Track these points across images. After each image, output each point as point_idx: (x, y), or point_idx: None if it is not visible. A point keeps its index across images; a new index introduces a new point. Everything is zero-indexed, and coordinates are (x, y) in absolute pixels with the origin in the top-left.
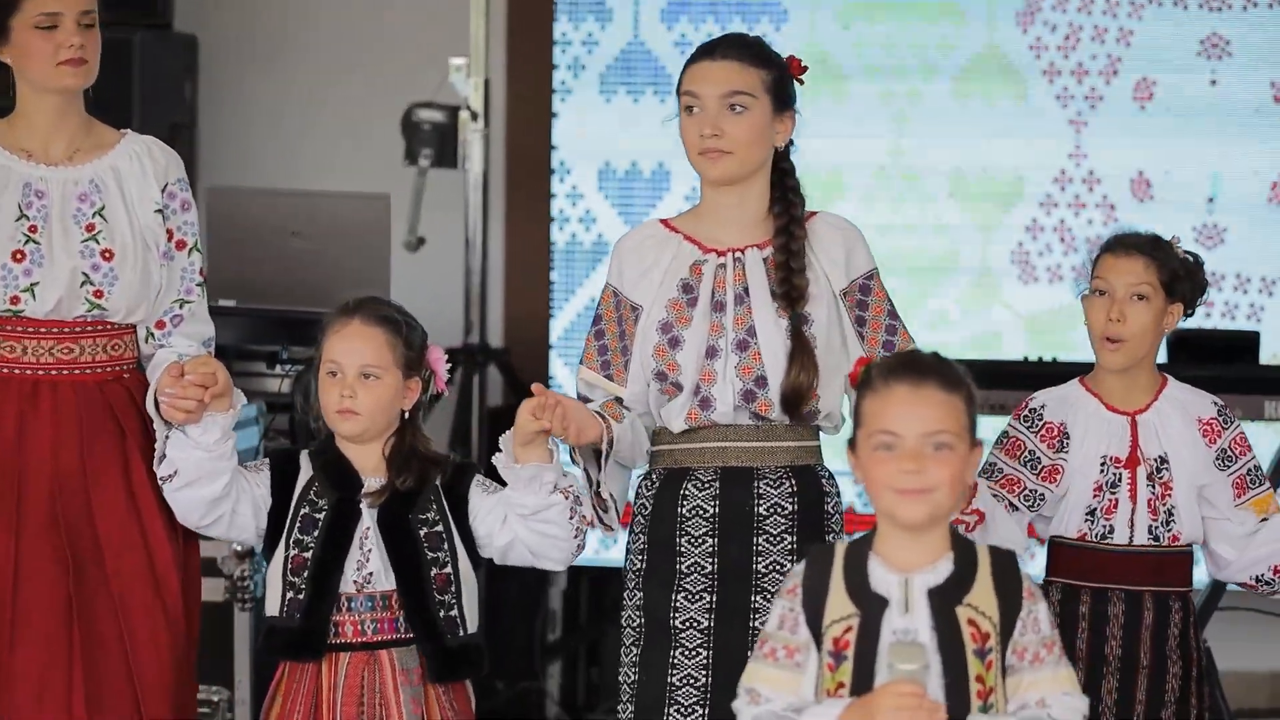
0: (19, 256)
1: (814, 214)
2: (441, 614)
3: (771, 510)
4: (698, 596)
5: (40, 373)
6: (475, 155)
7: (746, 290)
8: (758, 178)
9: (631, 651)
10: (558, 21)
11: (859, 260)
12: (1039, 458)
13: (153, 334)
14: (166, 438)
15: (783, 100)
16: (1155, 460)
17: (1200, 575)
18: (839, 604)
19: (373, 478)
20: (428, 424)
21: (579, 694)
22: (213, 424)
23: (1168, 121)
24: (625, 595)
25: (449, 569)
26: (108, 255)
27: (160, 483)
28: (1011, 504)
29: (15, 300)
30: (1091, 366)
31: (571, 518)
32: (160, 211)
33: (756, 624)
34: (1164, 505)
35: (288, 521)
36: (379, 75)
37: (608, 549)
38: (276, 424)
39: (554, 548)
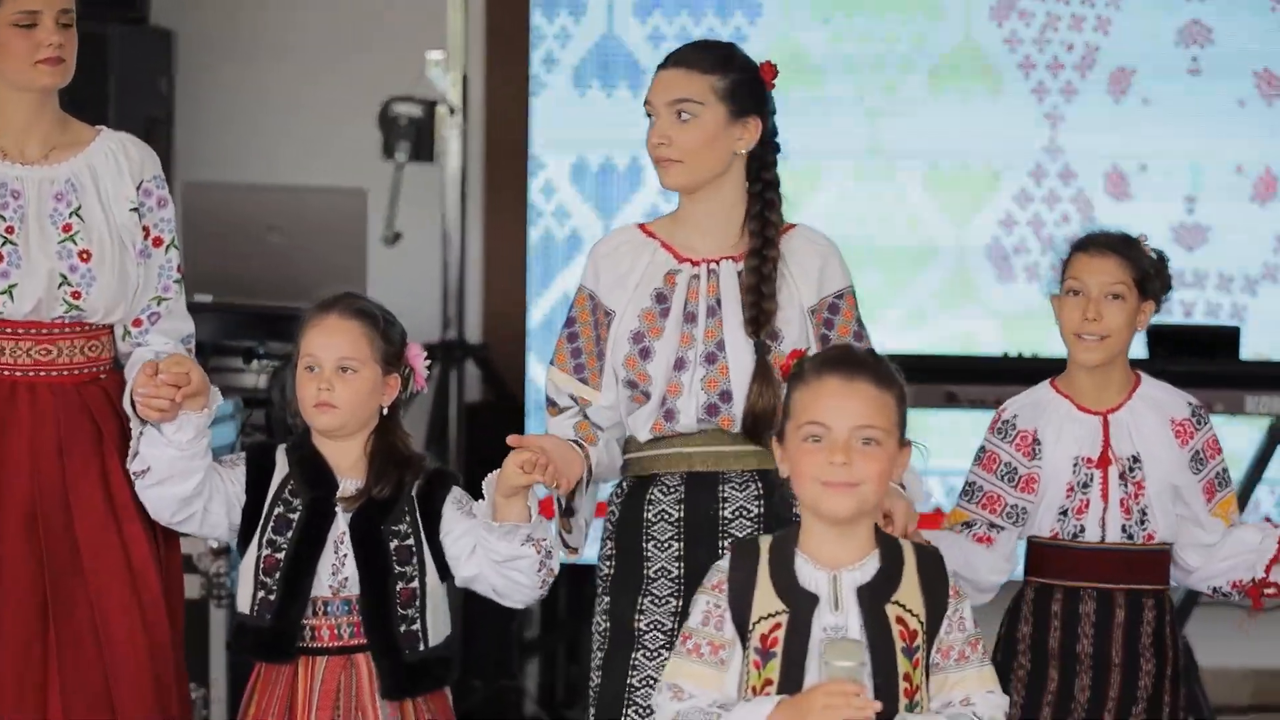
0: None
1: (792, 227)
2: (403, 628)
3: (737, 514)
4: (664, 601)
5: (18, 374)
6: (453, 150)
7: (719, 303)
8: (725, 184)
9: (597, 656)
10: (533, 15)
11: (832, 278)
12: (1015, 469)
13: (130, 332)
14: (140, 434)
15: (743, 106)
16: (1128, 459)
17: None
18: (766, 601)
19: (349, 478)
20: (404, 420)
21: (557, 692)
22: (187, 423)
23: (1145, 114)
24: (596, 602)
25: (415, 583)
26: (85, 256)
27: (132, 478)
28: (995, 524)
29: None
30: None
31: (540, 570)
32: (136, 210)
33: None
34: (1137, 504)
35: (262, 519)
36: (356, 70)
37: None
38: (253, 420)
39: (518, 592)
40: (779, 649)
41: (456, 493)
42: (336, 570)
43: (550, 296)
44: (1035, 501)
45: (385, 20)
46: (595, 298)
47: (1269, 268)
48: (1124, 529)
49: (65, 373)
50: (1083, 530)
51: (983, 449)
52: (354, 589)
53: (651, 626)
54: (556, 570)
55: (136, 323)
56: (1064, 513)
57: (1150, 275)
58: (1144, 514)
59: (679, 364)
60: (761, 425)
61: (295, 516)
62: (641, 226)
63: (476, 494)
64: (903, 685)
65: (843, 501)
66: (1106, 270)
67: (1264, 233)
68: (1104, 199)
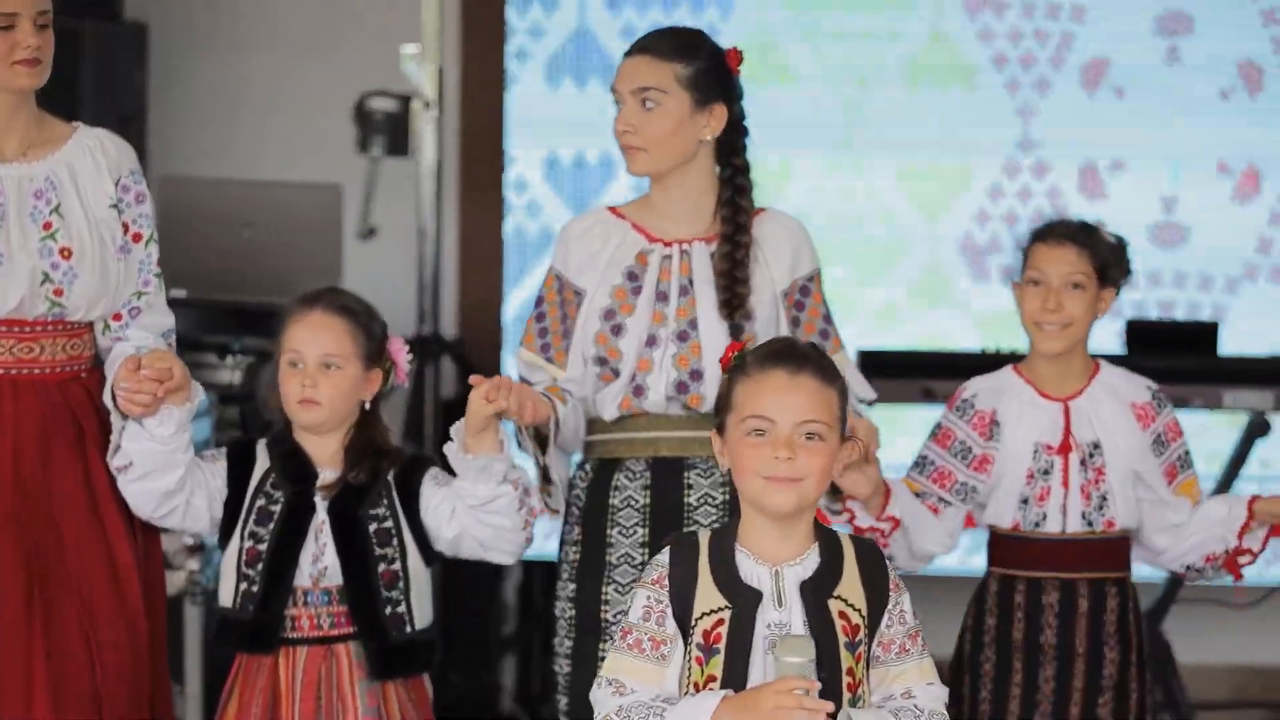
0: None
1: (762, 210)
2: (388, 610)
3: (702, 500)
4: (627, 588)
5: (0, 372)
6: (428, 144)
7: (691, 283)
8: (693, 171)
9: (565, 643)
10: (506, 8)
11: (803, 261)
12: (970, 447)
13: (110, 326)
14: (122, 429)
15: (708, 93)
16: (1088, 446)
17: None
18: (708, 596)
19: (328, 469)
20: (381, 415)
21: (533, 686)
22: (169, 417)
23: (1121, 108)
24: (558, 586)
25: (397, 565)
26: (66, 253)
27: (115, 473)
28: (943, 499)
29: None
30: None
31: (520, 508)
32: (115, 205)
33: None
34: (1098, 491)
35: (243, 512)
36: (331, 64)
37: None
38: (228, 416)
39: (502, 539)
40: (722, 645)
41: (433, 471)
42: (317, 559)
43: (524, 291)
44: (987, 482)
45: (360, 14)
46: (563, 278)
47: (1250, 267)
48: (1084, 516)
49: (47, 371)
50: (1044, 519)
51: (939, 425)
52: (335, 578)
53: (618, 618)
54: (537, 510)
55: (116, 317)
56: (1025, 501)
57: (1110, 263)
58: (1104, 500)
59: (651, 340)
60: None
61: (276, 509)
62: (612, 209)
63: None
64: (846, 680)
65: (786, 497)
66: (1067, 260)
67: (1245, 229)
68: (1077, 194)
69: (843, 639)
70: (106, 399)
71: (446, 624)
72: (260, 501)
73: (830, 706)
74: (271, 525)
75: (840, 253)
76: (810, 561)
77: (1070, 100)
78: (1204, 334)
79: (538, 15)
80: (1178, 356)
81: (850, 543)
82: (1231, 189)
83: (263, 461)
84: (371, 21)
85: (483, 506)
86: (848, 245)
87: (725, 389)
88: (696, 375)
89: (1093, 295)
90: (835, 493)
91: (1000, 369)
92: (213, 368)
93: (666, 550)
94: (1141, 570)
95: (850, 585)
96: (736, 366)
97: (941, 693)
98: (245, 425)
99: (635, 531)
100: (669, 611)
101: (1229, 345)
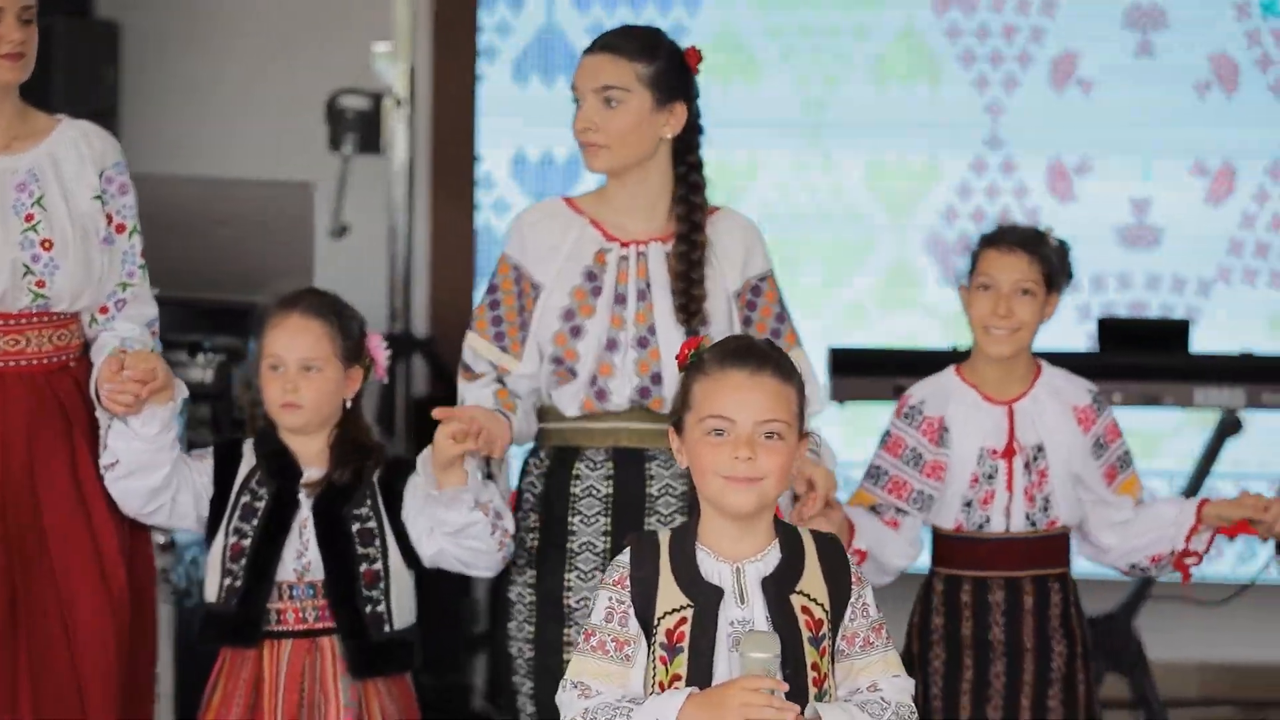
0: None
1: (716, 209)
2: (368, 609)
3: (663, 491)
4: (589, 575)
5: None
6: (400, 142)
7: (649, 287)
8: (652, 168)
9: (525, 628)
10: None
11: (756, 262)
12: (921, 454)
13: (97, 319)
14: (109, 427)
15: (668, 92)
16: (1032, 449)
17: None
18: (670, 595)
19: (313, 468)
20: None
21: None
22: (153, 417)
23: (1091, 105)
24: (513, 571)
25: (379, 565)
26: (47, 245)
27: (102, 471)
28: (900, 509)
29: None
30: None
31: (494, 532)
32: (99, 198)
33: None
34: (1041, 493)
35: (228, 509)
36: (302, 61)
37: None
38: (198, 414)
39: (480, 559)
40: (685, 644)
41: (416, 476)
42: (300, 555)
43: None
44: (941, 489)
45: (332, 12)
46: (521, 269)
47: (1223, 269)
48: (1028, 517)
49: (35, 362)
50: (988, 521)
51: (888, 433)
52: (318, 573)
53: (581, 604)
54: (511, 529)
55: (103, 310)
56: (968, 504)
57: (1057, 270)
58: (1047, 501)
59: (611, 345)
60: None
61: (261, 505)
62: (568, 200)
63: None
64: (811, 675)
65: (745, 497)
66: (1017, 268)
67: (1219, 230)
68: (1046, 192)
69: (806, 634)
70: (92, 394)
71: (418, 624)
72: (245, 498)
73: (796, 709)
74: (256, 521)
75: (807, 250)
76: (771, 557)
77: (1039, 97)
78: (1175, 332)
79: (505, 13)
80: (1149, 354)
81: (811, 537)
82: (1205, 188)
83: (249, 460)
84: (343, 19)
85: (458, 533)
86: (815, 243)
87: (683, 387)
88: (657, 379)
89: (1041, 301)
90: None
91: (942, 371)
92: (183, 366)
93: (627, 550)
94: (1110, 571)
95: (812, 580)
96: (694, 364)
97: (907, 684)
98: (216, 423)
99: (597, 520)
100: (631, 612)
101: (1201, 347)
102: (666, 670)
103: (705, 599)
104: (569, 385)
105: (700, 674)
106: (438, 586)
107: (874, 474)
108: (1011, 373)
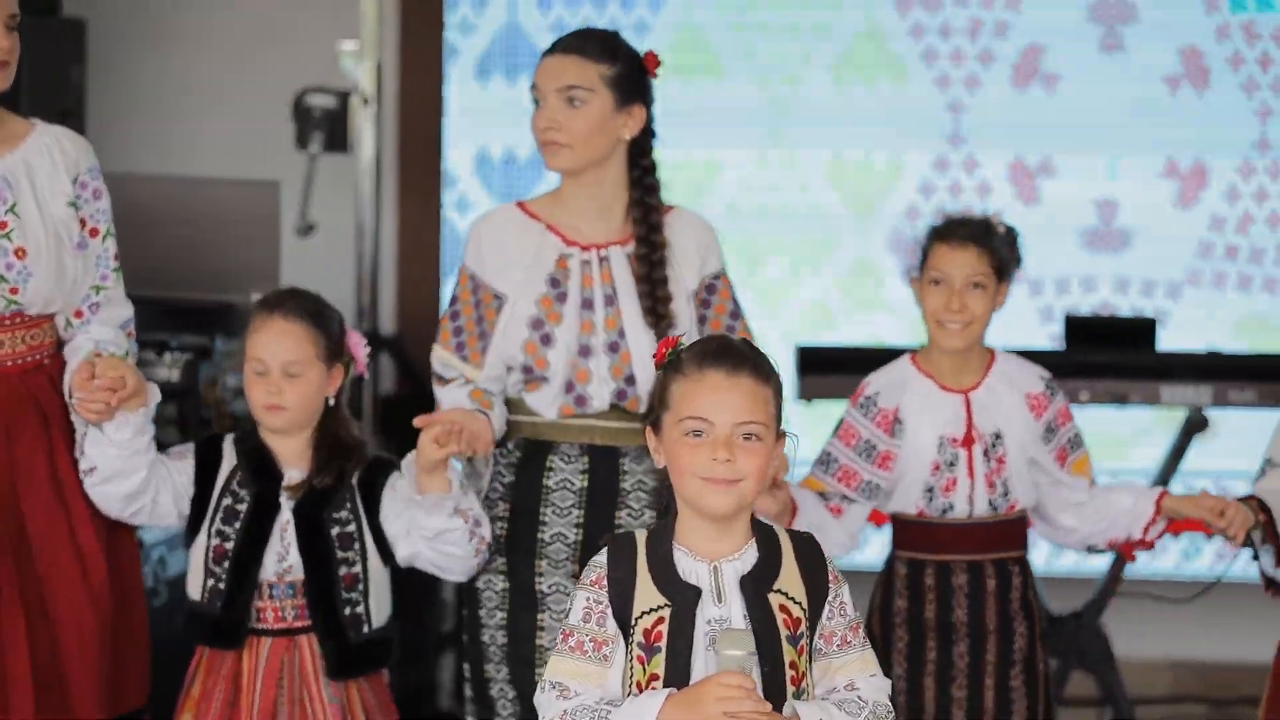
0: None
1: (670, 209)
2: (347, 611)
3: (635, 486)
4: (560, 564)
5: None
6: (367, 140)
7: (615, 291)
8: (609, 169)
9: (496, 615)
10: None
11: (711, 261)
12: (874, 445)
13: (71, 323)
14: (84, 434)
15: (628, 94)
16: (990, 436)
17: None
18: (647, 595)
19: (294, 468)
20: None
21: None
22: (125, 423)
23: (1056, 101)
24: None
25: (358, 568)
26: (20, 253)
27: (81, 477)
28: (847, 497)
29: None
30: None
31: (471, 539)
32: (73, 204)
33: None
34: (1000, 478)
35: (210, 510)
36: (269, 60)
37: None
38: (165, 413)
39: (455, 564)
40: (663, 643)
41: (394, 478)
42: (282, 557)
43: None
44: (891, 479)
45: (298, 11)
46: (478, 278)
47: (1192, 272)
48: (990, 503)
49: (9, 363)
50: (951, 508)
51: (842, 421)
52: (298, 573)
53: (554, 589)
54: (488, 537)
55: (78, 314)
56: (929, 491)
57: (1007, 260)
58: (1006, 486)
59: (585, 351)
60: None
61: (243, 508)
62: (521, 205)
63: None
64: (789, 673)
65: (724, 499)
66: (968, 263)
67: (1188, 231)
68: (1008, 188)
69: (784, 632)
70: (67, 396)
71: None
72: (227, 500)
73: (768, 707)
74: (238, 525)
75: (770, 248)
76: (749, 556)
77: (1002, 95)
78: (1142, 330)
79: (467, 11)
80: (1116, 352)
81: (788, 536)
82: (1175, 189)
83: (230, 459)
84: (309, 18)
85: (435, 538)
86: (778, 240)
87: (660, 386)
88: (631, 380)
89: (993, 292)
90: None
91: (898, 360)
92: (150, 365)
93: (604, 551)
94: (1089, 565)
95: (790, 578)
96: (671, 364)
97: (884, 684)
98: (183, 422)
99: (570, 513)
100: (609, 612)
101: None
102: (644, 670)
103: (683, 598)
104: (542, 391)
105: (678, 674)
106: (405, 586)
107: (825, 461)
108: (967, 363)
